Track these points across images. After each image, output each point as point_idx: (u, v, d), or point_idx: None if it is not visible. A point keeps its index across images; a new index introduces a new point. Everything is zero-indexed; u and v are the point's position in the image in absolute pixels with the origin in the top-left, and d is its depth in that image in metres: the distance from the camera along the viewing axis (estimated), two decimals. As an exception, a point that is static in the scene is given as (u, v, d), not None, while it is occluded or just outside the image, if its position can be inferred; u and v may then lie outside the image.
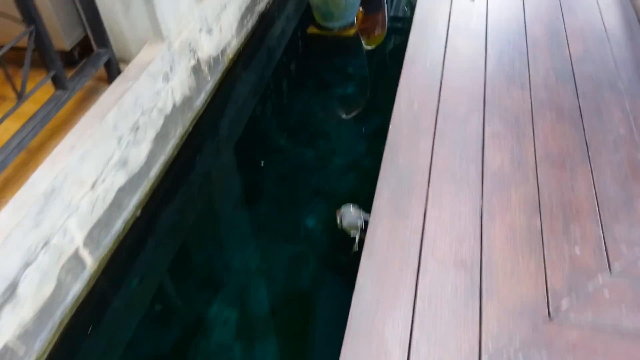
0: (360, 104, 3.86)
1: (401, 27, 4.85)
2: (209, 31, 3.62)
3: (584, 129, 2.83)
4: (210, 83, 3.70)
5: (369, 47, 4.55)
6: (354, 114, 3.80)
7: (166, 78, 3.09)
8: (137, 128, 2.83)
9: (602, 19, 3.72)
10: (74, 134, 2.47)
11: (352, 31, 4.35)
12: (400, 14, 5.28)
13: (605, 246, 2.27)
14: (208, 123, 3.60)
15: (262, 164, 3.33)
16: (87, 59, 2.84)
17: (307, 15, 4.54)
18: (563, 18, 3.77)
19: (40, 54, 2.50)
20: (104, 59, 2.87)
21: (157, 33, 3.04)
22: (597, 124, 2.85)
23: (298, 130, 3.70)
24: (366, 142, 3.52)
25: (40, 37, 2.43)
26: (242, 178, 3.43)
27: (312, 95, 3.97)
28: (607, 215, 2.40)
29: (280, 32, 4.61)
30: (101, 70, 2.92)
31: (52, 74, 2.54)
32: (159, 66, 3.01)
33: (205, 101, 3.64)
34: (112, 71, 2.96)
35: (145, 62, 2.94)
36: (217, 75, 3.81)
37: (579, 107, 2.97)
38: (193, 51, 3.41)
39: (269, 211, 3.19)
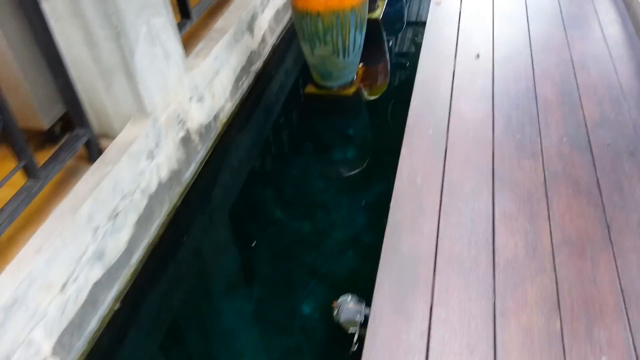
0: (361, 170, 3.63)
1: (406, 65, 4.67)
2: (200, 99, 3.44)
3: (603, 207, 2.57)
4: (201, 152, 3.51)
5: (371, 97, 4.36)
6: (354, 181, 3.57)
7: (151, 156, 2.90)
8: (116, 215, 2.62)
9: (617, 76, 3.50)
10: (43, 232, 2.26)
11: (352, 90, 4.16)
12: (405, 50, 5.13)
13: (637, 355, 1.99)
14: (199, 195, 3.40)
15: (254, 244, 3.10)
16: (63, 142, 2.66)
17: (305, 73, 4.36)
18: (575, 75, 3.55)
19: (8, 144, 2.32)
20: (83, 140, 2.70)
21: (141, 109, 2.87)
22: (618, 201, 2.59)
23: (295, 199, 3.48)
24: (367, 214, 3.29)
25: (7, 127, 2.25)
26: (234, 256, 3.19)
27: (310, 160, 3.76)
28: (636, 314, 2.12)
29: (277, 91, 4.44)
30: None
31: (21, 164, 2.36)
32: (143, 145, 2.82)
33: (196, 172, 3.44)
34: (93, 151, 2.78)
35: (127, 142, 2.76)
36: (210, 142, 3.62)
37: (597, 180, 2.71)
38: (182, 122, 3.23)
39: (263, 295, 2.95)
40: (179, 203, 3.23)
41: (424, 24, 4.57)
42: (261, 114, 4.14)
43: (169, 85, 3.08)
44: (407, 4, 6.08)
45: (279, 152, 3.95)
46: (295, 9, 3.77)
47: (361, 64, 4.35)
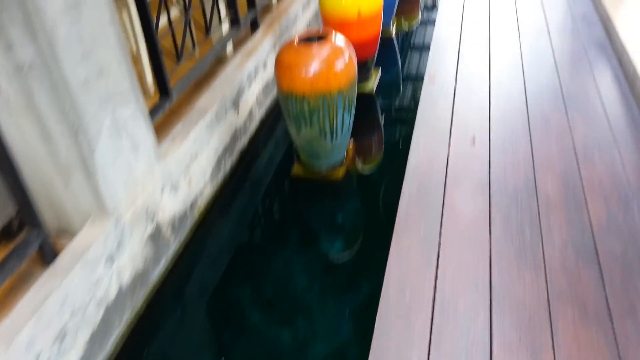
0: (349, 266, 3.34)
1: (400, 142, 4.44)
2: (175, 187, 3.19)
3: (615, 337, 2.27)
4: (173, 246, 3.23)
5: (362, 180, 4.10)
6: (341, 278, 3.27)
7: (110, 260, 2.63)
8: (64, 335, 2.32)
9: (623, 168, 3.25)
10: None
11: (341, 171, 3.92)
12: (400, 124, 4.90)
13: None
14: (167, 295, 3.10)
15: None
16: (11, 250, 2.39)
17: (294, 150, 4.13)
18: (578, 166, 3.31)
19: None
20: (34, 246, 2.42)
21: (101, 209, 2.61)
22: (630, 329, 2.29)
23: (275, 299, 3.17)
24: (354, 321, 2.97)
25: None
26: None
27: (294, 252, 3.47)
28: None
29: (262, 171, 4.19)
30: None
31: (-46, 284, 2.08)
32: (101, 249, 2.55)
33: (166, 269, 3.15)
34: (47, 254, 2.51)
35: (83, 248, 2.49)
36: (184, 233, 3.35)
37: (607, 301, 2.42)
38: (151, 216, 2.96)
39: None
40: (143, 309, 2.93)
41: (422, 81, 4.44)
42: (244, 198, 3.88)
43: (137, 177, 2.84)
44: (403, 69, 5.93)
45: (260, 243, 3.66)
46: (280, 89, 3.57)
47: (352, 141, 4.13)
